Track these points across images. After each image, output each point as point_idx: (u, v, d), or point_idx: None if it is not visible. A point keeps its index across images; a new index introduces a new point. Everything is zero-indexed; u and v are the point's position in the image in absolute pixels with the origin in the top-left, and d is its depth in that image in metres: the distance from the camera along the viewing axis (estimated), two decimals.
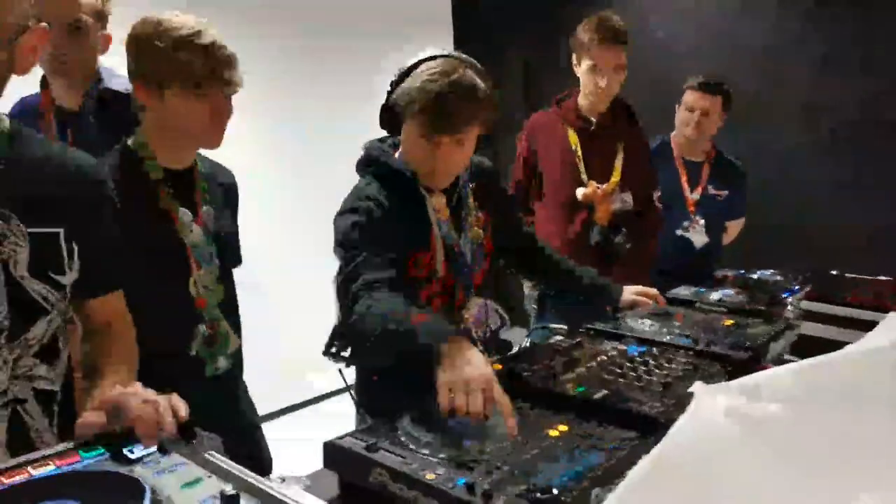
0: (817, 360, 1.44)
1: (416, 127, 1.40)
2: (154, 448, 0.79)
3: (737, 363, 1.37)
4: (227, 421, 1.41)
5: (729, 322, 1.64)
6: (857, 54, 3.33)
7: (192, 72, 1.31)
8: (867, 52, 3.29)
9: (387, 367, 1.46)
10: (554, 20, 4.24)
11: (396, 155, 1.52)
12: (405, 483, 0.89)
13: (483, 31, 4.43)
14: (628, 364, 1.31)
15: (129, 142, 1.41)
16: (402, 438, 0.99)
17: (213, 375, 1.46)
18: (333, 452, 0.99)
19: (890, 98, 3.26)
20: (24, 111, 1.76)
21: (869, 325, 1.77)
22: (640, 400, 1.14)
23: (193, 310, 1.42)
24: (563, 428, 1.04)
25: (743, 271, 2.47)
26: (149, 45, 1.31)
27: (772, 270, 2.45)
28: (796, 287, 2.19)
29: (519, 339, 1.60)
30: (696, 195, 2.67)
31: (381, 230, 1.40)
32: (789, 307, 2.01)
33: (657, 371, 1.27)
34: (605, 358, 1.35)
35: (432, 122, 1.38)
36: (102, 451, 0.79)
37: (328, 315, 1.54)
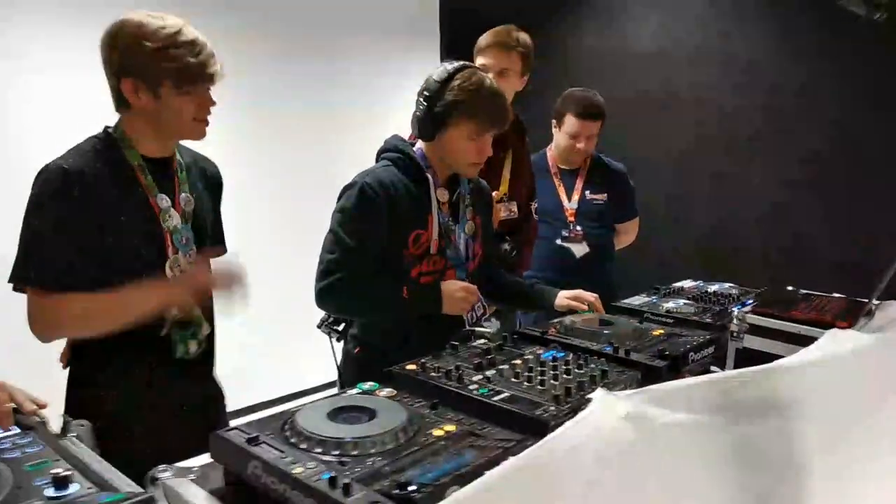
0: (738, 372, 1.46)
1: (465, 130, 1.62)
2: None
3: (652, 371, 1.38)
4: (191, 404, 1.47)
5: (659, 331, 1.65)
6: (833, 80, 3.34)
7: (185, 68, 1.37)
8: (843, 80, 3.30)
9: (367, 344, 1.71)
10: (543, 32, 4.28)
11: (414, 148, 1.72)
12: (276, 476, 0.90)
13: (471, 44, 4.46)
14: (539, 368, 1.31)
15: (110, 131, 1.46)
16: (288, 433, 1.00)
17: (183, 358, 1.51)
18: (218, 444, 1.00)
19: (864, 125, 3.28)
20: None
21: (809, 341, 1.79)
22: (537, 403, 1.15)
23: None
24: (451, 428, 1.05)
25: (701, 283, 2.48)
26: (139, 44, 1.36)
27: (730, 284, 2.46)
28: (749, 301, 2.20)
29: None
30: (573, 204, 2.70)
31: (379, 212, 1.60)
32: (735, 320, 2.02)
33: (565, 376, 1.28)
34: (520, 362, 1.36)
35: (487, 122, 1.61)
36: None
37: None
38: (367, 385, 1.23)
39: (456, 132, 1.64)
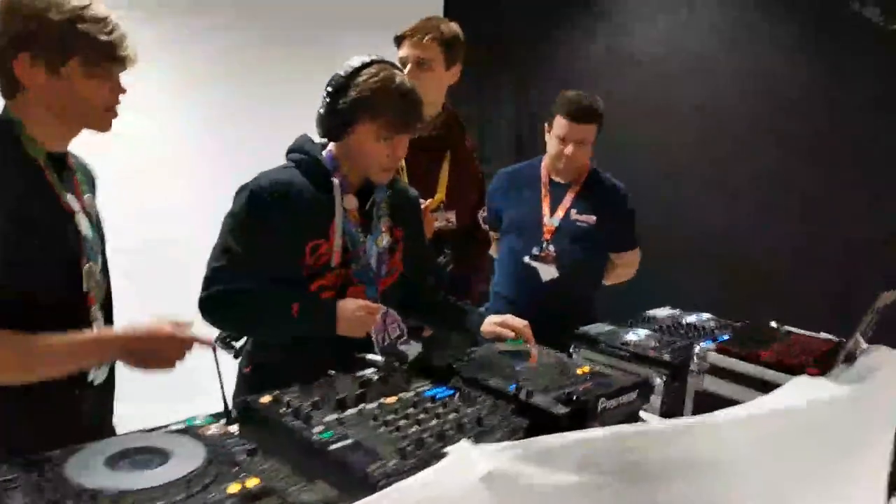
0: (652, 426, 1.25)
1: (372, 130, 1.46)
2: None
3: (550, 418, 1.19)
4: (101, 431, 1.30)
5: (584, 370, 1.45)
6: (845, 89, 3.07)
7: (95, 45, 1.21)
8: (856, 88, 3.03)
9: (260, 363, 1.57)
10: (549, 29, 4.09)
11: (324, 152, 1.56)
12: None
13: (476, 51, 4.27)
14: (409, 410, 1.13)
15: (4, 118, 1.24)
16: (48, 479, 0.84)
17: (93, 382, 1.32)
18: None
19: (881, 134, 3.00)
20: None
21: (772, 387, 1.57)
22: (377, 455, 0.97)
23: (84, 308, 1.27)
24: (252, 482, 0.87)
25: (679, 312, 2.26)
26: (41, 15, 1.18)
27: (709, 315, 2.23)
28: (724, 336, 1.98)
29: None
30: (554, 220, 2.38)
31: (269, 218, 1.45)
32: (695, 359, 1.81)
33: (435, 421, 1.10)
34: (394, 400, 1.18)
35: (394, 122, 1.46)
36: None
37: None
38: (201, 419, 1.07)
39: (362, 133, 1.47)
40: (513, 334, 1.62)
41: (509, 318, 1.63)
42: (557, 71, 4.03)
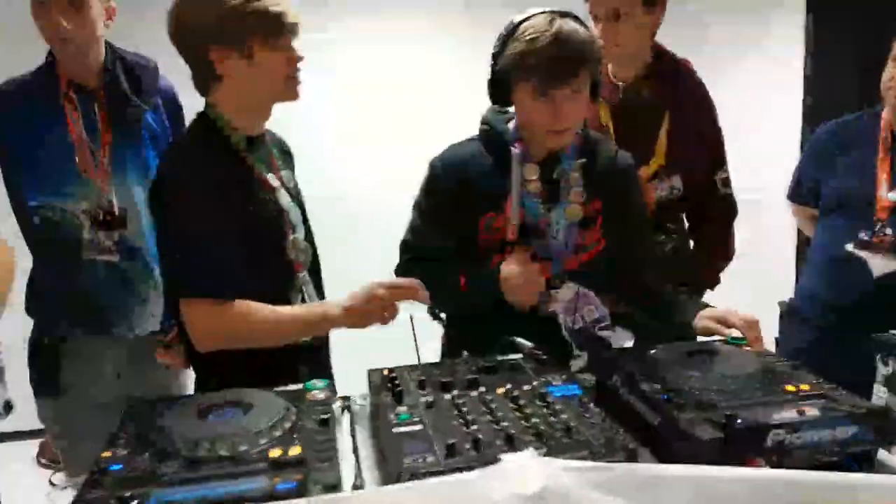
0: (854, 477, 0.88)
1: (529, 88, 1.34)
2: None
3: (693, 443, 0.91)
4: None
5: (803, 387, 1.05)
6: None
7: (272, 19, 1.26)
8: None
9: (451, 336, 1.55)
10: None
11: (509, 124, 1.46)
12: None
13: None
14: (509, 405, 1.00)
15: (206, 113, 1.35)
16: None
17: (307, 344, 1.41)
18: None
19: None
20: (27, 91, 1.60)
21: None
22: (427, 447, 0.88)
23: (291, 275, 1.40)
24: (295, 451, 0.88)
25: None
26: (220, 4, 1.25)
27: None
28: None
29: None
30: (893, 194, 1.66)
31: (444, 193, 1.43)
32: None
33: (522, 422, 0.95)
34: (501, 391, 1.05)
35: (546, 77, 1.31)
36: None
37: None
38: (320, 383, 1.12)
39: (520, 93, 1.34)
40: (733, 333, 1.29)
41: (727, 313, 1.30)
42: None
